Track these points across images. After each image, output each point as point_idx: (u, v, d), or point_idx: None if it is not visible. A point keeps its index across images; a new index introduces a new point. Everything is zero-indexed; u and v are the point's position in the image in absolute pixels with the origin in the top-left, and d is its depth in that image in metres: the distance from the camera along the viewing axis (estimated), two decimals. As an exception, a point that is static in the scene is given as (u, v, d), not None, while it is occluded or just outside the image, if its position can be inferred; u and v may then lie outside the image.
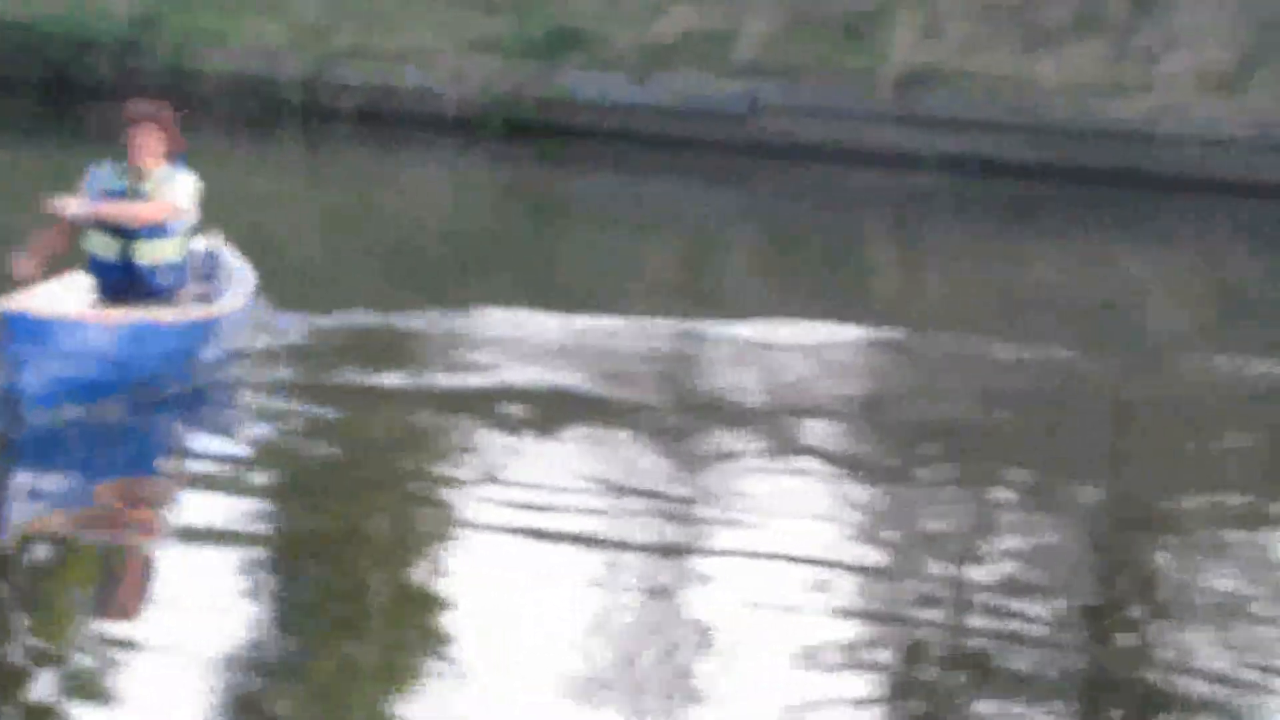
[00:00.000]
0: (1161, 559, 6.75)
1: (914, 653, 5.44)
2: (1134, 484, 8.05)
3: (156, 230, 8.44)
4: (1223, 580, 6.41)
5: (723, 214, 18.44)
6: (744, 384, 9.57)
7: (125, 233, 8.37)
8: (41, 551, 6.32)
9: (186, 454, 7.83)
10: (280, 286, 12.39)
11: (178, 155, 8.62)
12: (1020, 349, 11.08)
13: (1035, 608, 5.86)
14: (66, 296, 8.61)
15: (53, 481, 7.25)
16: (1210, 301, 14.57)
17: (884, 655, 5.54)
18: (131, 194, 8.42)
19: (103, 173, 8.55)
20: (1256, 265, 16.75)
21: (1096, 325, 12.66)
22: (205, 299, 9.01)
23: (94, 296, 8.56)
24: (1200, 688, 5.36)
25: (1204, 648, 5.73)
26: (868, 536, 6.65)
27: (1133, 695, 5.34)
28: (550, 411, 8.62)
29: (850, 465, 7.75)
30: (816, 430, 8.57)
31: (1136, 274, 15.89)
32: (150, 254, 8.49)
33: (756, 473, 7.57)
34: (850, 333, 11.30)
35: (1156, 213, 18.87)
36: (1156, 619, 6.00)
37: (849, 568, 6.16)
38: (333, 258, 14.14)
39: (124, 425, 7.88)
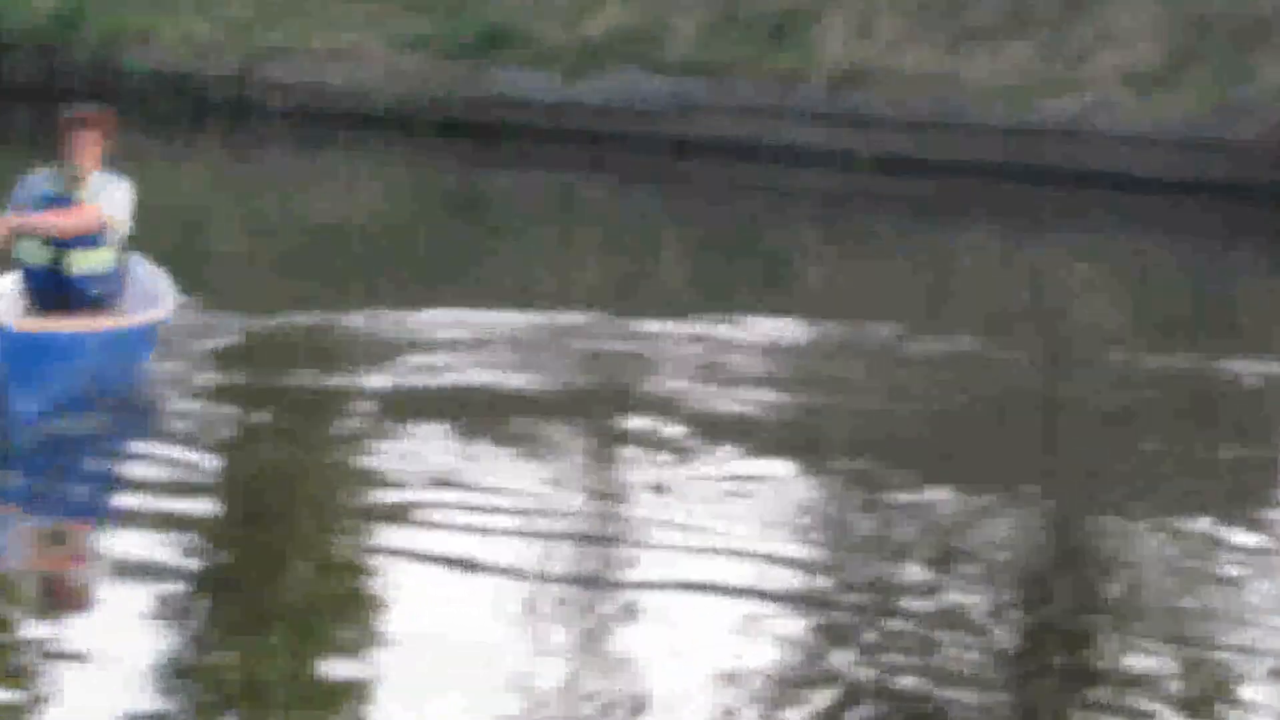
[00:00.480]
0: (1098, 572, 6.72)
1: (850, 692, 5.35)
2: (1061, 488, 8.05)
3: (89, 239, 8.30)
4: (1164, 590, 6.34)
5: (652, 212, 18.42)
6: (671, 381, 9.54)
7: (57, 242, 8.25)
8: None
9: (131, 463, 7.64)
10: (209, 287, 12.28)
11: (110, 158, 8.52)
12: (946, 344, 11.12)
13: (969, 639, 5.78)
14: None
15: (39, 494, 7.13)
16: (1135, 298, 14.67)
17: (820, 694, 5.43)
18: (69, 200, 8.30)
19: (37, 179, 8.42)
20: (1183, 262, 16.88)
21: (1023, 321, 12.73)
22: (130, 308, 8.85)
23: (24, 304, 8.41)
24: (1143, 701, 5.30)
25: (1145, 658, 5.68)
26: (798, 559, 6.51)
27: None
28: (479, 413, 8.58)
29: (780, 473, 7.67)
30: (744, 431, 8.55)
31: (1063, 271, 15.98)
32: (82, 263, 8.34)
33: (684, 479, 7.50)
34: (778, 327, 11.30)
35: (1084, 210, 18.99)
36: (1098, 646, 5.92)
37: (777, 598, 6.06)
38: (262, 257, 14.03)
39: (84, 435, 7.73)
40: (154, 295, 9.03)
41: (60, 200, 8.29)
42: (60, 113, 8.55)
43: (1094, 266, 16.15)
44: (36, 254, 8.28)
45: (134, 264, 9.24)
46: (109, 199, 8.34)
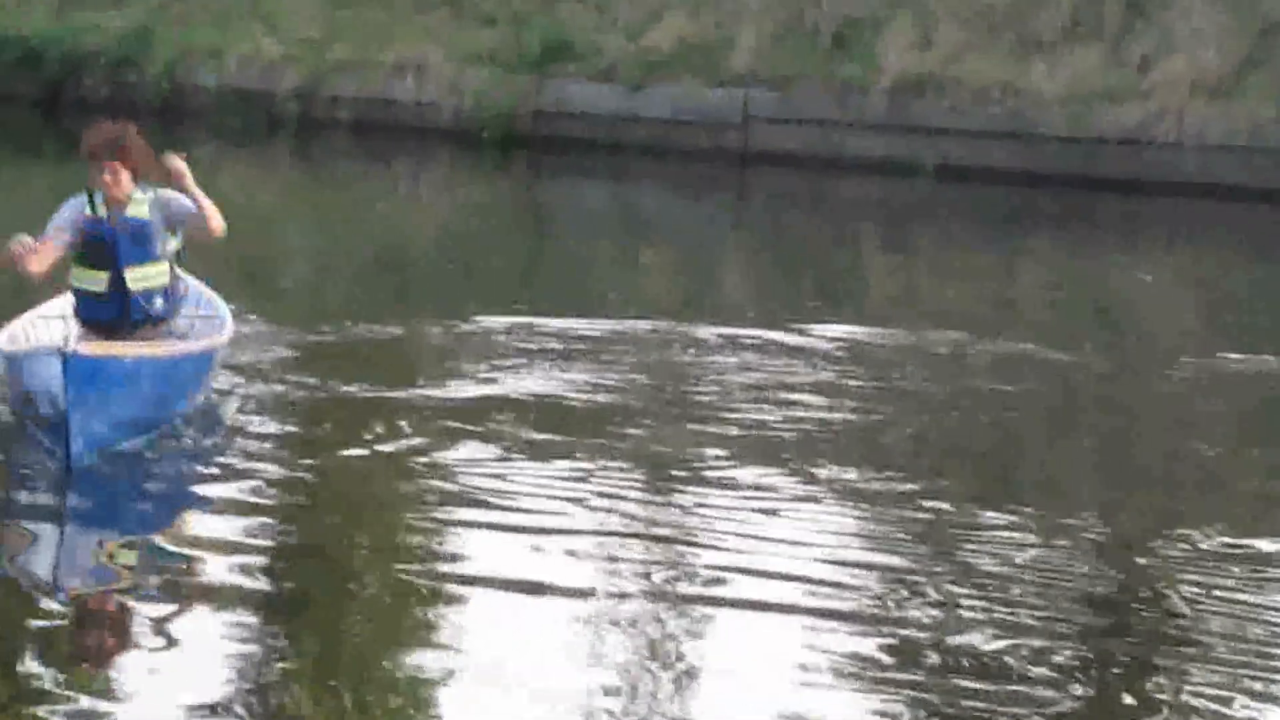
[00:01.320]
0: (1164, 589, 6.62)
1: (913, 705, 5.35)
2: (1126, 502, 8.01)
3: (144, 254, 8.05)
4: (1233, 610, 6.17)
5: (716, 223, 18.50)
6: (734, 390, 9.61)
7: (112, 261, 7.99)
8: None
9: (196, 483, 7.61)
10: (276, 299, 12.45)
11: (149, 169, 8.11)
12: (1009, 352, 11.15)
13: (1032, 663, 5.67)
14: (54, 329, 8.38)
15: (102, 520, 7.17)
16: (1201, 306, 14.63)
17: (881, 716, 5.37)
18: (119, 221, 7.99)
19: (78, 203, 8.08)
20: (1250, 269, 16.82)
21: (1091, 329, 12.71)
22: (184, 327, 8.57)
23: (80, 328, 8.16)
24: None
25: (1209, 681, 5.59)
26: (858, 576, 6.46)
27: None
28: (545, 423, 8.64)
29: (848, 486, 7.63)
30: (813, 441, 8.60)
31: (1128, 279, 15.94)
32: (141, 281, 8.10)
33: (751, 491, 7.51)
34: (841, 336, 11.37)
35: (1148, 219, 18.94)
36: (1164, 671, 5.74)
37: (840, 616, 6.02)
38: (330, 269, 14.19)
39: (147, 458, 7.64)
40: (209, 315, 8.84)
41: (102, 229, 7.99)
42: (82, 138, 8.17)
43: (1159, 274, 16.11)
44: (92, 277, 8.05)
45: (181, 282, 9.10)
46: (179, 202, 8.06)
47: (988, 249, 17.08)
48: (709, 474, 7.74)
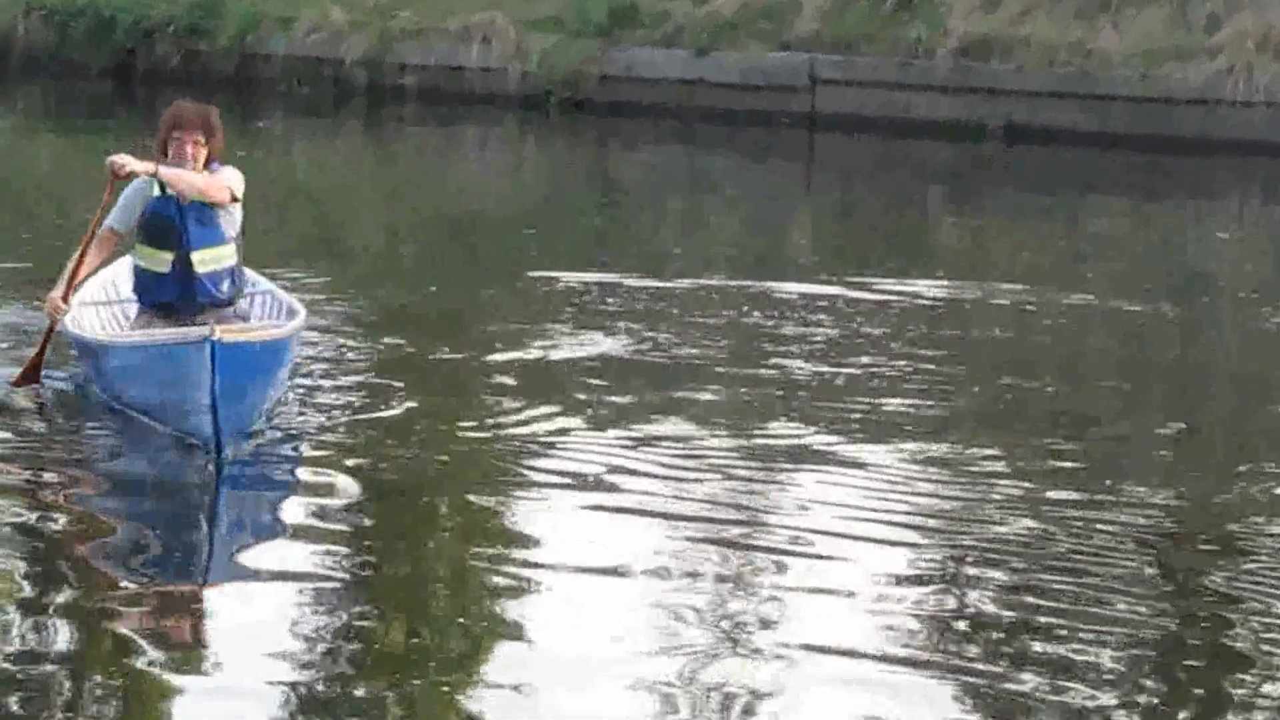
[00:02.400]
0: (1233, 555, 6.51)
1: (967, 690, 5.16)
2: (1193, 461, 7.92)
3: (212, 236, 7.85)
4: None
5: (783, 185, 18.54)
6: (810, 349, 9.67)
7: (179, 243, 7.79)
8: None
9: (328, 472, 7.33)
10: (351, 265, 12.60)
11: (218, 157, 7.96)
12: (1077, 308, 11.18)
13: (1107, 630, 5.61)
14: (103, 315, 8.23)
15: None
16: (1271, 264, 14.57)
17: (945, 691, 5.20)
18: (179, 209, 7.79)
19: (142, 186, 7.89)
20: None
21: (1165, 285, 12.67)
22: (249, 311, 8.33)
23: (143, 313, 8.03)
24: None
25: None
26: (925, 541, 6.38)
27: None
28: (622, 386, 8.72)
29: (921, 451, 7.62)
30: (886, 402, 8.62)
31: (1204, 238, 15.90)
32: (208, 262, 7.88)
33: (825, 459, 7.47)
34: (914, 293, 11.43)
35: (1216, 179, 18.84)
36: (1236, 634, 5.68)
37: (898, 585, 5.92)
38: (401, 236, 14.31)
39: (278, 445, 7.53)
40: (271, 297, 8.54)
41: (169, 210, 7.81)
42: (165, 113, 8.00)
43: (1227, 233, 16.05)
44: (155, 256, 7.86)
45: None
46: (229, 179, 7.85)
47: (1057, 210, 17.04)
48: (781, 440, 7.74)
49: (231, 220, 7.92)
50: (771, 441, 7.76)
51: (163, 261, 7.82)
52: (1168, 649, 5.64)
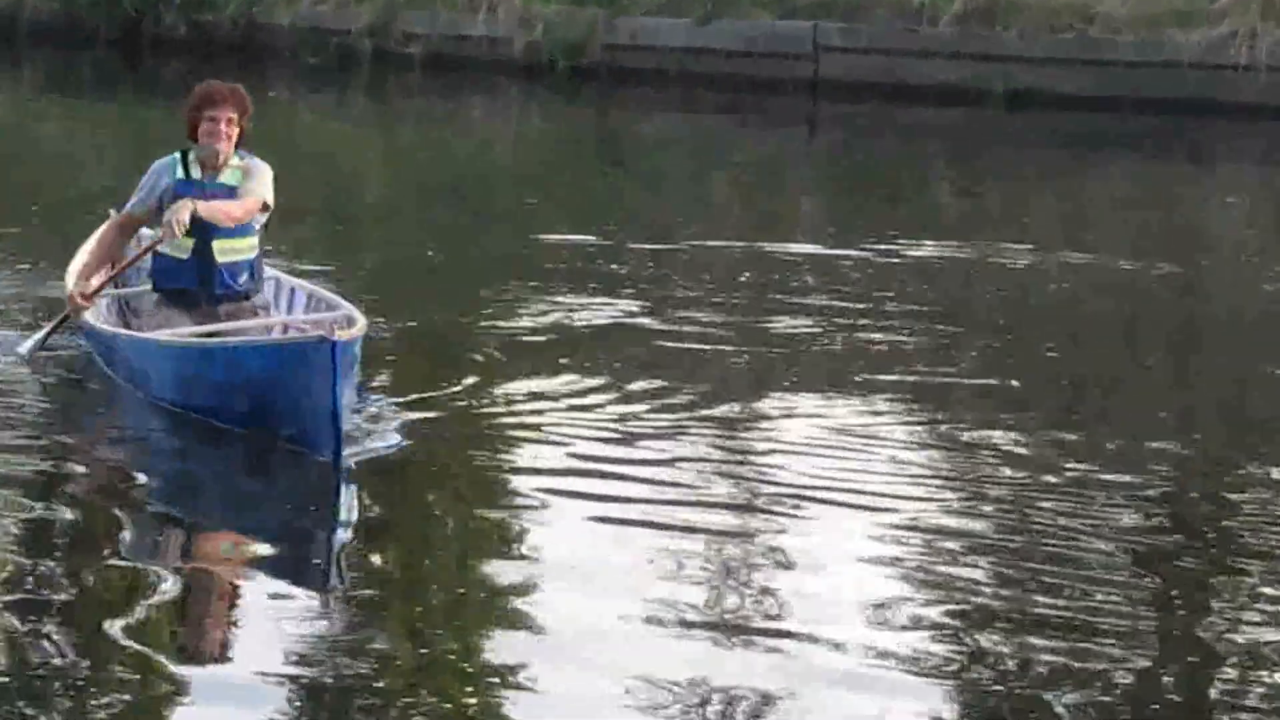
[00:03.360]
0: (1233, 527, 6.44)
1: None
2: (1198, 426, 7.86)
3: (235, 227, 7.58)
4: None
5: (787, 151, 18.59)
6: (814, 311, 9.72)
7: (200, 229, 7.50)
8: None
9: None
10: (353, 229, 12.69)
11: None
12: (1084, 269, 11.23)
13: (1115, 590, 5.59)
14: (104, 308, 7.88)
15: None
16: (1275, 228, 14.63)
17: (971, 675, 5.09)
18: (209, 188, 7.56)
19: (168, 165, 7.67)
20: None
21: (1166, 247, 12.73)
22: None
23: (159, 303, 7.73)
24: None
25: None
26: (932, 511, 6.30)
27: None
28: (619, 349, 8.78)
29: (918, 421, 7.63)
30: (890, 363, 8.70)
31: (1200, 201, 15.94)
32: (229, 252, 7.64)
33: (827, 424, 7.45)
34: (919, 252, 11.51)
35: (1221, 143, 18.87)
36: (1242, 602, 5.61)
37: (910, 556, 5.87)
38: (403, 201, 14.39)
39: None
40: (294, 293, 8.20)
41: (202, 189, 7.56)
42: (194, 92, 7.68)
43: (1231, 197, 16.09)
44: (177, 244, 7.54)
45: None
46: (262, 184, 7.60)
47: (1060, 174, 17.09)
48: (782, 407, 7.74)
49: (257, 217, 7.71)
50: (773, 409, 7.76)
51: (183, 247, 7.54)
52: (1168, 620, 5.63)
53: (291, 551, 6.22)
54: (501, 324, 9.25)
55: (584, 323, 9.36)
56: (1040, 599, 5.62)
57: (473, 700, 4.94)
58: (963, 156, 18.18)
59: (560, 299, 9.89)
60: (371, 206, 14.07)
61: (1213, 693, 5.06)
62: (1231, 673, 5.18)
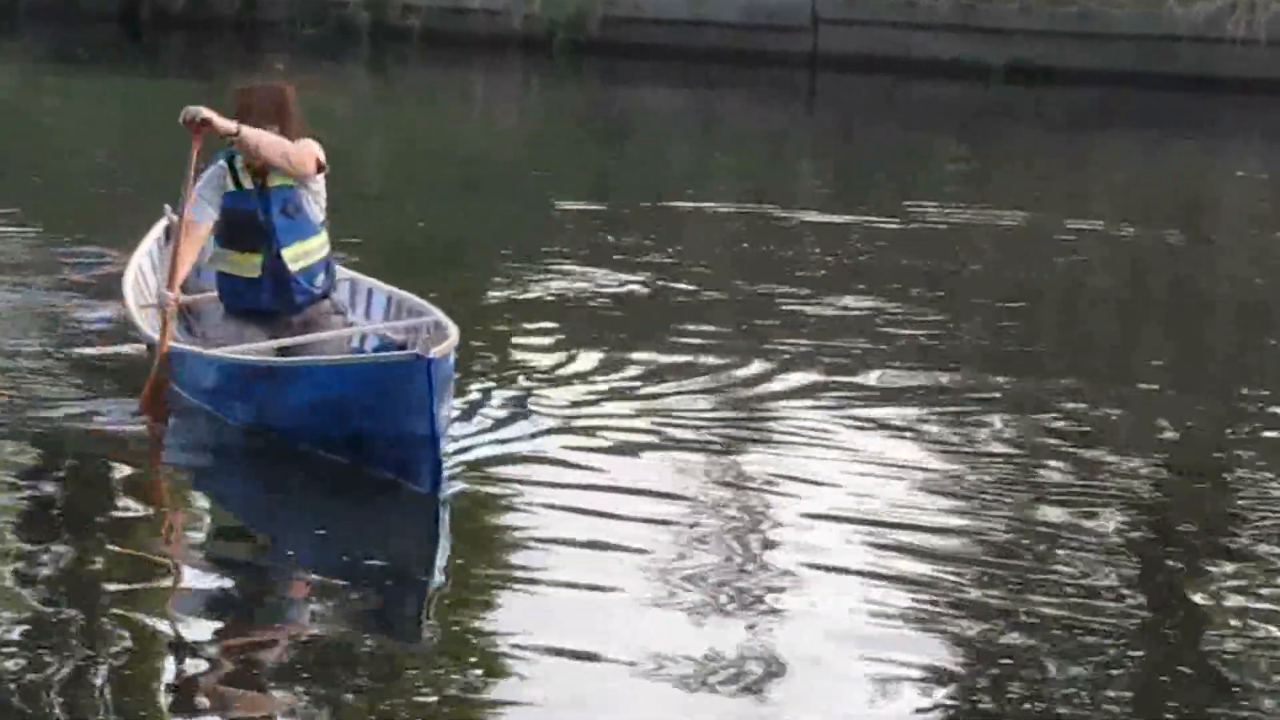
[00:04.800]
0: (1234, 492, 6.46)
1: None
2: (1196, 391, 7.85)
3: (302, 226, 6.76)
4: None
5: (787, 125, 18.62)
6: (813, 278, 9.75)
7: (267, 242, 6.72)
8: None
9: None
10: (353, 202, 12.70)
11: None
12: (1082, 234, 11.30)
13: (1106, 560, 5.54)
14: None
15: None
16: (1273, 197, 14.68)
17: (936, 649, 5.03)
18: (262, 199, 6.76)
19: (219, 172, 6.81)
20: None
21: (1171, 218, 12.77)
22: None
23: (227, 320, 6.96)
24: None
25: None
26: (928, 488, 6.24)
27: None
28: (621, 317, 8.84)
29: (911, 383, 7.62)
30: (892, 328, 8.75)
31: (1198, 173, 15.98)
32: (302, 259, 6.81)
33: (826, 396, 7.47)
34: (919, 221, 11.56)
35: (1221, 116, 18.90)
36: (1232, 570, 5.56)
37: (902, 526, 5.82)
38: (402, 173, 14.42)
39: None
40: (371, 295, 7.46)
41: (250, 204, 6.75)
42: (239, 93, 6.85)
43: (1229, 169, 16.13)
44: (242, 261, 6.79)
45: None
46: (311, 146, 6.78)
47: (1062, 147, 17.12)
48: (780, 379, 7.71)
49: (318, 200, 6.86)
50: (771, 381, 7.72)
51: (251, 266, 6.77)
52: (1163, 591, 5.62)
53: (384, 596, 5.51)
54: (495, 293, 9.28)
55: (581, 290, 9.38)
56: (1033, 578, 5.56)
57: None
58: (963, 129, 18.20)
59: (557, 267, 9.93)
60: (370, 180, 14.09)
61: (1211, 676, 5.05)
62: (1230, 651, 5.17)
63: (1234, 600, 5.47)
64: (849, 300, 9.31)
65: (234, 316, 6.95)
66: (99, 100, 18.49)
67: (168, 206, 7.80)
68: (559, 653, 4.95)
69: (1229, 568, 5.74)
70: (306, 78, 7.02)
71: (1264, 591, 5.51)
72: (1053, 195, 13.74)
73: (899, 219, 11.73)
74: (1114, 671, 4.93)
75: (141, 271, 7.59)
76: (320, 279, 6.87)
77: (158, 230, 7.85)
